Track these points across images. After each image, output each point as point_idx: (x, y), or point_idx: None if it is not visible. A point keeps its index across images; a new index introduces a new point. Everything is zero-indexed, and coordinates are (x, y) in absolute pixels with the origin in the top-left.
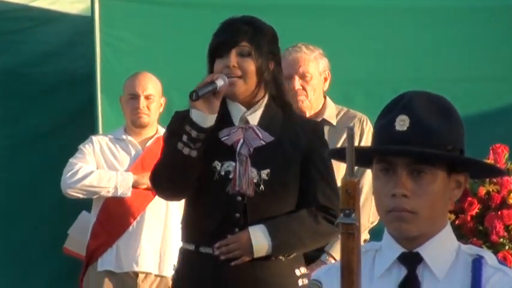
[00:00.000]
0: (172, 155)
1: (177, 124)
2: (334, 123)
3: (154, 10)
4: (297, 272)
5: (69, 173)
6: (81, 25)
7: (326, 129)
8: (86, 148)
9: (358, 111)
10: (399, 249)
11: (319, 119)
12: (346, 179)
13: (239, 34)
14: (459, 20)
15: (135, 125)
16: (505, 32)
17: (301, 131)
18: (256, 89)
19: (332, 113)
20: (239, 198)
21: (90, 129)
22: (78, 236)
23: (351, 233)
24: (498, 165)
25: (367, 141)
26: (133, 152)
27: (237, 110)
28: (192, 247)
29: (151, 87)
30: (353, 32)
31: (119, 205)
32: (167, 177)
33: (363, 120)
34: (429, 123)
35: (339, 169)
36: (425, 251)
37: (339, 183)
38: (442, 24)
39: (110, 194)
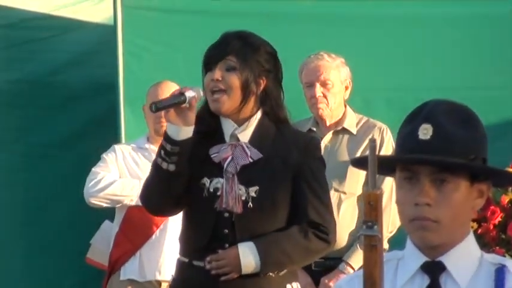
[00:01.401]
0: (154, 171)
1: None
2: (354, 133)
3: (176, 19)
4: (289, 287)
5: (92, 182)
6: (104, 34)
7: (346, 138)
8: (109, 157)
9: (380, 119)
10: (422, 258)
11: (340, 128)
12: (369, 191)
13: (226, 48)
14: (481, 27)
15: (158, 133)
16: None
17: (294, 147)
18: (242, 104)
19: (352, 122)
20: (226, 214)
21: (113, 138)
22: (101, 246)
23: (373, 245)
24: None
25: (387, 150)
26: None
27: (228, 127)
28: (186, 260)
29: None
30: (375, 40)
31: (142, 214)
32: (151, 193)
33: (383, 130)
34: (452, 132)
35: (359, 175)
36: (448, 259)
37: (358, 189)
38: (464, 32)
39: (133, 203)
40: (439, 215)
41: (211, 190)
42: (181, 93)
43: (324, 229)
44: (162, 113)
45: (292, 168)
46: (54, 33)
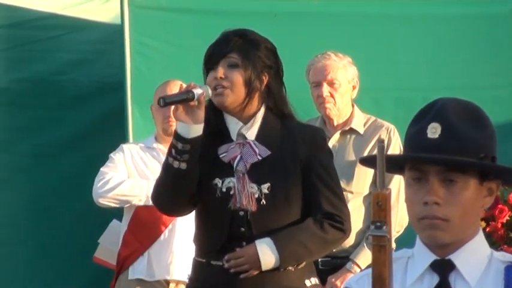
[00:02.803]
0: (165, 170)
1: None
2: (362, 132)
3: (183, 18)
4: (307, 283)
5: (101, 182)
6: (112, 33)
7: (353, 138)
8: (117, 157)
9: (388, 118)
10: (431, 257)
11: (347, 128)
12: (377, 191)
13: (228, 46)
14: (489, 26)
15: (167, 133)
16: None
17: (300, 140)
18: (246, 101)
19: (360, 122)
20: (242, 213)
21: (121, 137)
22: (109, 245)
23: (382, 245)
24: None
25: (394, 150)
26: None
27: (234, 125)
28: (203, 260)
29: None
30: (383, 39)
31: (150, 213)
32: (163, 193)
33: (391, 130)
34: (461, 131)
35: (366, 175)
36: (457, 258)
37: (365, 189)
38: (472, 32)
39: (141, 203)
40: (449, 213)
41: (224, 190)
42: (189, 91)
43: (338, 219)
44: (171, 111)
45: (301, 162)
46: (61, 33)
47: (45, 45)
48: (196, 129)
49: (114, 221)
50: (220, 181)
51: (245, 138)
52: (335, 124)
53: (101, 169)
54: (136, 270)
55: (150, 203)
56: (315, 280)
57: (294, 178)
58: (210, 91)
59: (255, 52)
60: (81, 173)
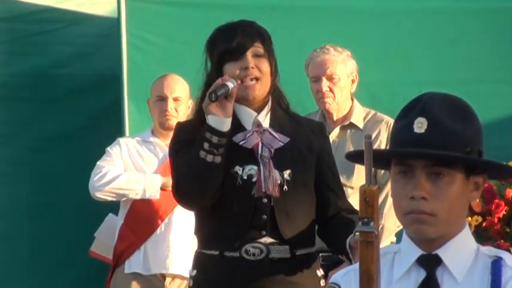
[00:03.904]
0: (196, 164)
1: (184, 134)
2: (361, 127)
3: (180, 12)
4: (318, 273)
5: (97, 176)
6: (108, 27)
7: (353, 132)
8: (114, 150)
9: (384, 112)
10: (418, 252)
11: (347, 123)
12: (365, 187)
13: (251, 35)
14: (486, 21)
15: (163, 127)
16: None
17: (311, 132)
18: (269, 91)
19: (359, 116)
20: (265, 200)
21: (117, 131)
22: (105, 239)
23: (370, 241)
24: None
25: None
26: (161, 154)
27: (247, 114)
28: (215, 252)
29: (179, 89)
30: (380, 33)
31: (147, 207)
32: (194, 188)
33: (390, 124)
34: (447, 125)
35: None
36: (444, 252)
37: (357, 183)
38: (469, 26)
39: (138, 197)
40: (435, 208)
41: (245, 177)
42: (224, 84)
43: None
44: (168, 105)
45: (315, 151)
46: (58, 26)
47: (43, 38)
48: (228, 123)
49: (110, 215)
50: (241, 169)
51: (259, 126)
52: (335, 119)
53: (98, 163)
54: (133, 264)
55: (147, 196)
56: (322, 271)
57: (310, 166)
58: (236, 83)
59: (270, 42)
60: (77, 166)
